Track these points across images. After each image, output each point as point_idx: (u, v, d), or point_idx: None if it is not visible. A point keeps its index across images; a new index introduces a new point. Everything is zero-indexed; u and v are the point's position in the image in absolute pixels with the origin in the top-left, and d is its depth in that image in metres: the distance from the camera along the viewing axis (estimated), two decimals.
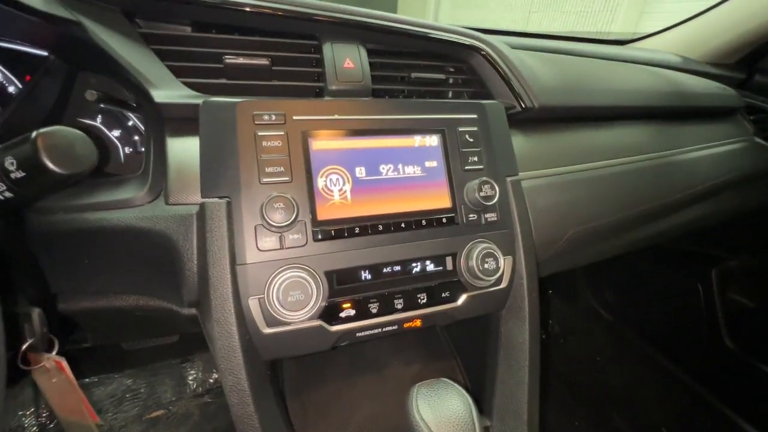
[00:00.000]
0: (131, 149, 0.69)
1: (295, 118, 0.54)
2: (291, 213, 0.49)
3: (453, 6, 9.07)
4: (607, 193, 0.78)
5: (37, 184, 0.41)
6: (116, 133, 0.69)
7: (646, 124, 0.89)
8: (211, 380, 1.36)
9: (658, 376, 1.51)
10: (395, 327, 0.58)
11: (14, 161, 0.39)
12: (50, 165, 0.38)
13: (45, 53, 0.59)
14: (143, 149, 0.67)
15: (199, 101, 0.52)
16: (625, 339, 1.64)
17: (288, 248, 0.50)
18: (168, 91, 0.52)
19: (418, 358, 0.88)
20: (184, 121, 0.53)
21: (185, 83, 0.55)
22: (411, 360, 0.88)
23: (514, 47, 0.75)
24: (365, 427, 0.78)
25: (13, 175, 0.39)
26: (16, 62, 0.59)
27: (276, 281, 0.49)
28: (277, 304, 0.48)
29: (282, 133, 0.52)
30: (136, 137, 0.69)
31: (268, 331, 0.50)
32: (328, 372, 0.85)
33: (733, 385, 1.35)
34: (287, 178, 0.52)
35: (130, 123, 0.69)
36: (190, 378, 1.35)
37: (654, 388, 1.49)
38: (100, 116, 0.67)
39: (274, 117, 0.53)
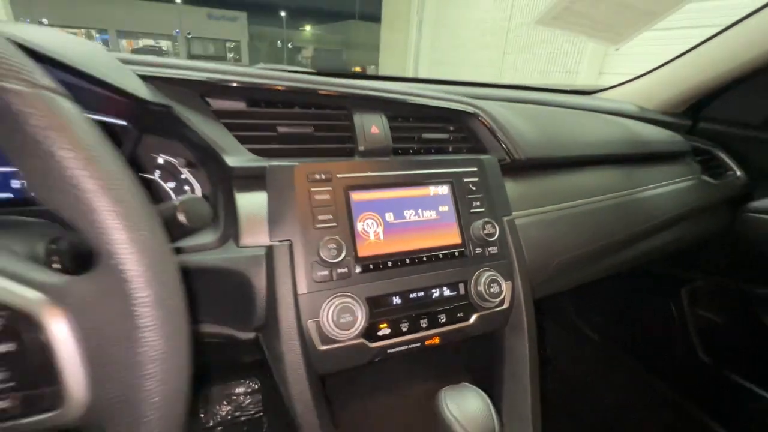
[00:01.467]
0: None
1: (338, 176, 0.67)
2: (340, 251, 0.62)
3: (432, 48, 9.65)
4: (585, 227, 0.93)
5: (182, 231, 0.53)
6: (171, 185, 0.81)
7: (612, 168, 1.06)
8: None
9: (647, 393, 1.59)
10: (419, 344, 0.70)
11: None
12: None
13: (125, 123, 0.72)
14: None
15: (265, 164, 0.65)
16: (612, 358, 1.73)
17: (337, 279, 0.63)
18: (237, 157, 0.65)
19: (432, 377, 0.99)
20: (247, 179, 0.67)
21: (248, 149, 0.68)
22: (426, 379, 0.99)
23: (498, 99, 0.93)
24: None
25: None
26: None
27: (329, 306, 0.61)
28: (331, 325, 0.60)
29: (330, 188, 0.66)
30: (186, 187, 0.82)
31: (322, 348, 0.61)
32: (353, 394, 0.95)
33: (711, 397, 1.45)
34: (335, 224, 0.65)
35: (183, 176, 0.81)
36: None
37: (645, 406, 1.57)
38: (158, 172, 0.79)
39: (323, 176, 0.66)
